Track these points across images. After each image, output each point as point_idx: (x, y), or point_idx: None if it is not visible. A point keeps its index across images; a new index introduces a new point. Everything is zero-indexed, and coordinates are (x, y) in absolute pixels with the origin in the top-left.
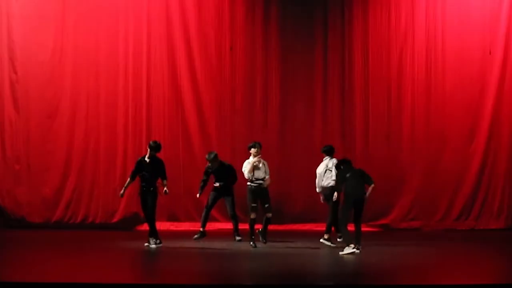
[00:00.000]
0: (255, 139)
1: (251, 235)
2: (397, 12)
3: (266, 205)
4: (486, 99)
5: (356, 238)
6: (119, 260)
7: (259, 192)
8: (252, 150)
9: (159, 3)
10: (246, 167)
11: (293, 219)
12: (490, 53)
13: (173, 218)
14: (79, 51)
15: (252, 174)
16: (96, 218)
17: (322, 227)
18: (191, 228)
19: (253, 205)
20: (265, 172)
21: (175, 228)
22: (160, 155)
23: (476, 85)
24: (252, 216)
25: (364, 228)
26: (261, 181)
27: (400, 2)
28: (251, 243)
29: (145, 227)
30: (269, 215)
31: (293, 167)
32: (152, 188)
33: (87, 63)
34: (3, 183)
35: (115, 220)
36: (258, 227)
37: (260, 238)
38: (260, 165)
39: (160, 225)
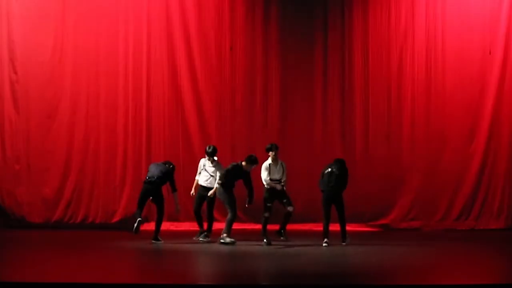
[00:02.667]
0: (255, 139)
1: (264, 233)
2: (397, 12)
3: (284, 200)
4: (486, 99)
5: (341, 235)
6: (119, 260)
7: (276, 192)
8: (270, 153)
9: (159, 3)
10: (264, 172)
11: (293, 218)
12: (490, 53)
13: (173, 218)
14: (79, 51)
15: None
16: (96, 218)
17: (322, 227)
18: (191, 228)
19: (268, 204)
20: (282, 173)
21: (175, 228)
22: (160, 155)
23: (476, 85)
24: (266, 215)
25: (363, 228)
26: (277, 182)
27: (400, 2)
28: (264, 240)
29: (145, 227)
30: (290, 208)
31: (293, 167)
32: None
33: (87, 63)
34: (3, 183)
35: (115, 220)
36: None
37: (282, 236)
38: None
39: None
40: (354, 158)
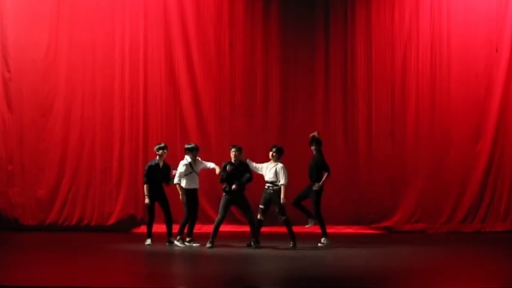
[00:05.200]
0: (255, 137)
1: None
2: (401, 7)
3: (277, 209)
4: (493, 97)
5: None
6: (115, 263)
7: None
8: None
9: None
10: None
11: (294, 220)
12: (496, 50)
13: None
14: (74, 48)
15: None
16: (92, 220)
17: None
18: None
19: (260, 206)
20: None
21: (173, 230)
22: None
23: (482, 82)
24: (258, 217)
25: (366, 231)
26: (269, 185)
27: None
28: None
29: (143, 229)
30: (282, 218)
31: (293, 166)
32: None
33: (82, 61)
34: None
35: (111, 222)
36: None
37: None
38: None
39: (158, 227)
40: (356, 157)
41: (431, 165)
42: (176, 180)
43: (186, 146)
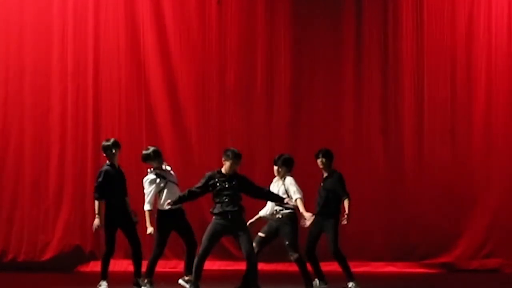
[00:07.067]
0: (254, 134)
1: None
2: None
3: (287, 243)
4: None
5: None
6: None
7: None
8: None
9: None
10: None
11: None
12: None
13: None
14: None
15: None
16: (19, 255)
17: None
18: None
19: (259, 234)
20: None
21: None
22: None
23: None
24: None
25: (416, 269)
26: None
27: None
28: None
29: (93, 267)
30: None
31: (308, 177)
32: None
33: (3, 22)
34: None
35: (46, 257)
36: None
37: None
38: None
39: (116, 264)
40: (401, 166)
41: (508, 177)
42: (147, 207)
43: (143, 153)
